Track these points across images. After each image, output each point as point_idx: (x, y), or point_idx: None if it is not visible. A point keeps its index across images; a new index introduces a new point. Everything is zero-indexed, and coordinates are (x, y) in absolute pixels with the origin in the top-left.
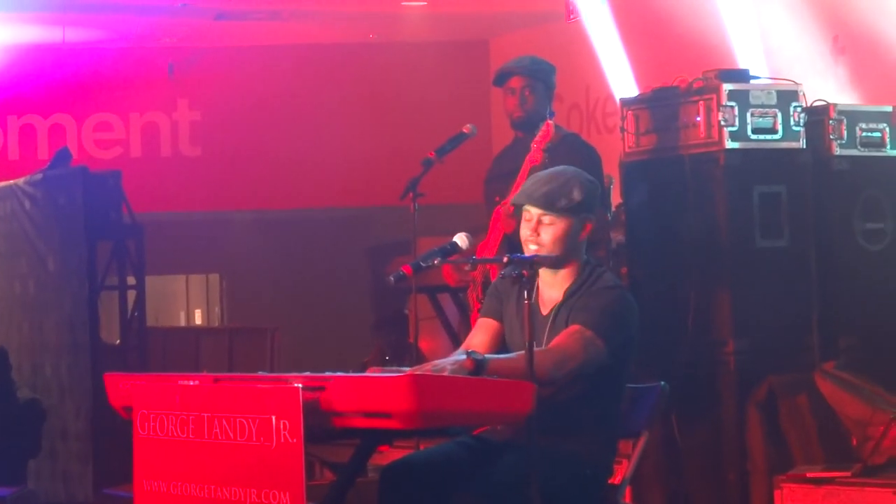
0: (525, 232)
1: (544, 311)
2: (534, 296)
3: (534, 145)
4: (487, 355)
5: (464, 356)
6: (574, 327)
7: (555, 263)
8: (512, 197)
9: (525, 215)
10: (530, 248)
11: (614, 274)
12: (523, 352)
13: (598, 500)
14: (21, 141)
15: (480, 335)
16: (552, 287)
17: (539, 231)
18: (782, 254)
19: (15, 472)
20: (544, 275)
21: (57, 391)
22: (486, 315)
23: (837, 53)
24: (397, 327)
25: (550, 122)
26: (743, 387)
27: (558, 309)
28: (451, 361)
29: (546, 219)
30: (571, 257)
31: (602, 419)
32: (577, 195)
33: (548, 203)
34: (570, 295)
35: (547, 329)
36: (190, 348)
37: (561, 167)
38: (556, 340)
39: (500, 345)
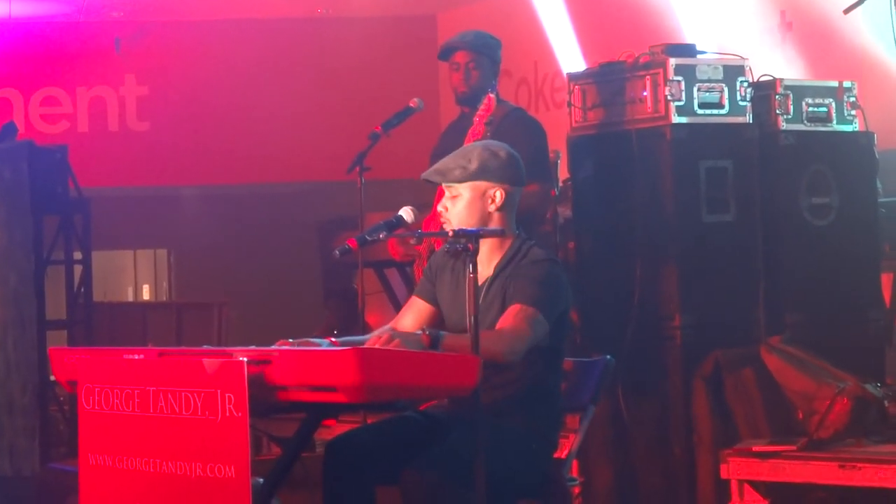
0: (439, 209)
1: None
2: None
3: (476, 119)
4: (443, 332)
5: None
6: (515, 307)
7: (500, 236)
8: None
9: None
10: (443, 224)
11: (544, 247)
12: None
13: (544, 474)
14: None
15: (410, 316)
16: (481, 261)
17: (447, 206)
18: (729, 228)
19: None
20: None
21: (3, 366)
22: (418, 295)
23: (784, 28)
24: (347, 301)
25: (492, 95)
26: (689, 361)
27: (490, 284)
28: (411, 335)
29: (450, 191)
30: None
31: (543, 392)
32: (472, 164)
33: (441, 175)
34: (500, 270)
35: (479, 302)
36: (137, 323)
37: (473, 143)
38: (502, 322)
39: (430, 326)
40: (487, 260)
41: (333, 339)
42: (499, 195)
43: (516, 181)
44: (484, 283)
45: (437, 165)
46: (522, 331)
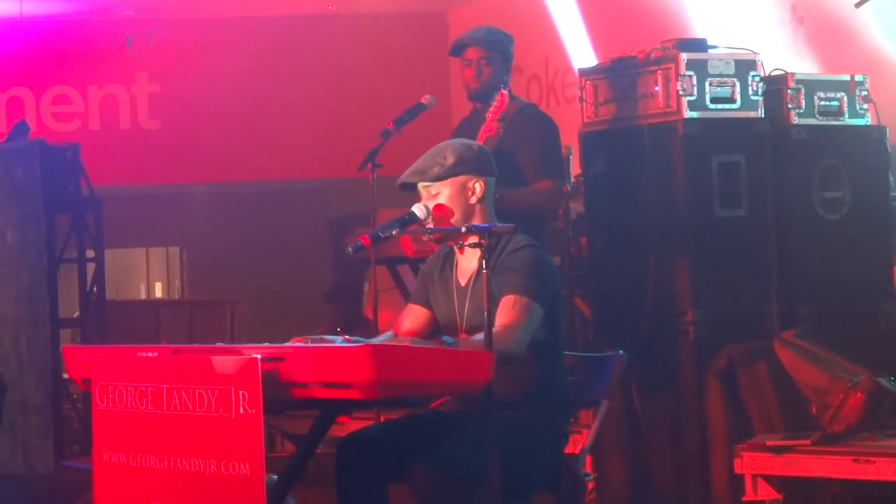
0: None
1: (462, 282)
2: (454, 270)
3: (489, 115)
4: (459, 339)
5: (390, 336)
6: (510, 299)
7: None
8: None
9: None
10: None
11: (523, 233)
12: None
13: (556, 466)
14: None
15: (409, 321)
16: (466, 258)
17: (428, 206)
18: (741, 223)
19: None
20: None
21: (16, 364)
22: (415, 301)
23: (796, 23)
24: (351, 299)
25: (505, 91)
26: (702, 356)
27: (476, 277)
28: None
29: (432, 191)
30: (473, 221)
31: (548, 382)
32: (449, 159)
33: (420, 174)
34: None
35: (467, 299)
36: (150, 321)
37: (442, 142)
38: (499, 318)
39: (430, 331)
40: (474, 254)
41: (347, 337)
42: (478, 187)
43: (491, 172)
44: (471, 277)
45: (413, 167)
46: (522, 321)
